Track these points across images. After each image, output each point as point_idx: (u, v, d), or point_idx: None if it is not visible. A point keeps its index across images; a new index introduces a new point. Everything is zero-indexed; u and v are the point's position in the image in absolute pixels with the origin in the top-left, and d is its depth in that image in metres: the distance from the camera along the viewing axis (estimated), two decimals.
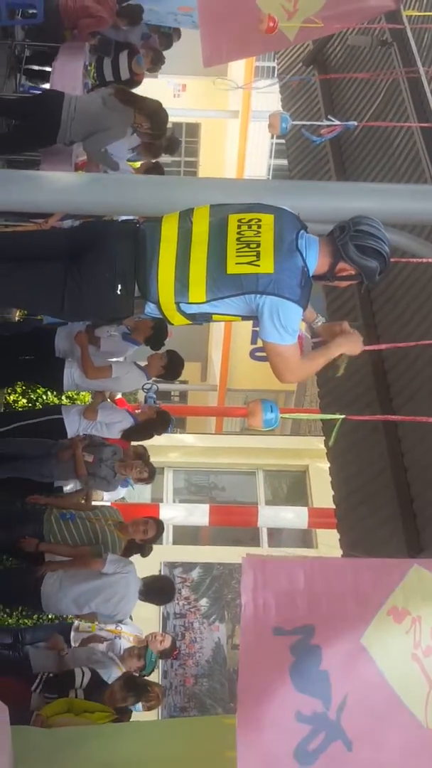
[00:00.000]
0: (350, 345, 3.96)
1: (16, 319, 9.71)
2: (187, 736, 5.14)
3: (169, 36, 10.11)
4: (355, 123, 6.48)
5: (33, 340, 7.90)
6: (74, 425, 7.08)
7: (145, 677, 6.31)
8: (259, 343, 16.00)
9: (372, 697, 3.09)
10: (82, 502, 7.17)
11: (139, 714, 6.20)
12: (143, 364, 7.39)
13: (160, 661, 8.98)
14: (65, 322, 7.37)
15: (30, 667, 6.43)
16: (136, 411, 7.31)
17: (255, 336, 16.34)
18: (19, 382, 8.54)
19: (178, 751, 5.01)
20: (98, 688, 5.64)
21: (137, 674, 6.32)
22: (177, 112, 15.48)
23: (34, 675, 6.00)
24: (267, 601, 3.15)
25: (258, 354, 16.62)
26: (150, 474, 7.20)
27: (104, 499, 8.31)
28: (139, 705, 6.01)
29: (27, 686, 5.83)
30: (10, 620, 8.62)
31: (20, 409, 8.66)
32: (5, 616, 8.69)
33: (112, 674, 6.20)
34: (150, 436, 7.37)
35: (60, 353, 7.48)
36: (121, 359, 7.61)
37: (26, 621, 8.57)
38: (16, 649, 7.06)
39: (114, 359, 7.34)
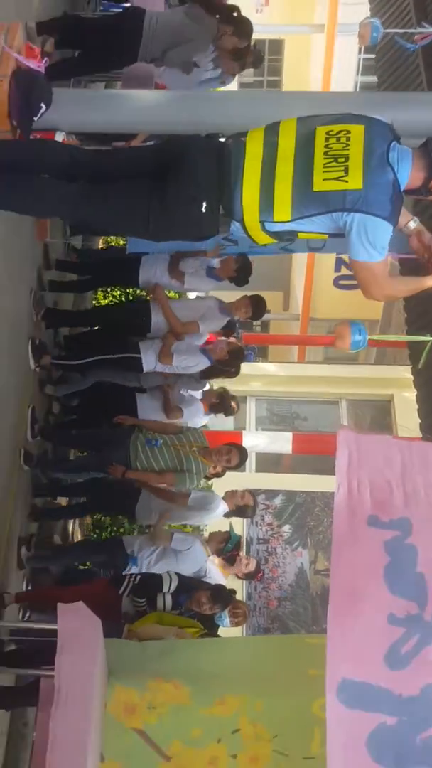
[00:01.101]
0: None
1: (100, 247, 9.79)
2: (273, 653, 5.24)
3: None
4: None
5: (117, 270, 7.96)
6: (151, 365, 7.12)
7: (232, 552, 6.52)
8: (344, 271, 15.81)
9: None
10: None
11: (226, 630, 6.35)
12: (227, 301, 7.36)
13: (244, 582, 9.15)
14: (148, 252, 7.41)
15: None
16: (209, 346, 7.25)
17: (339, 264, 16.05)
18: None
19: (264, 667, 5.11)
20: (185, 593, 5.78)
21: (220, 554, 6.58)
22: (260, 29, 15.05)
23: (123, 577, 6.17)
24: (362, 483, 3.01)
25: (342, 282, 16.36)
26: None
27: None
28: (227, 620, 6.15)
29: (116, 592, 6.00)
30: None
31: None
32: (95, 535, 8.96)
33: (196, 550, 6.46)
34: (224, 374, 7.38)
35: (143, 284, 7.51)
36: (203, 294, 7.60)
37: (121, 530, 8.86)
38: (106, 567, 7.26)
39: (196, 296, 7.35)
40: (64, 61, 6.86)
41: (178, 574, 6.09)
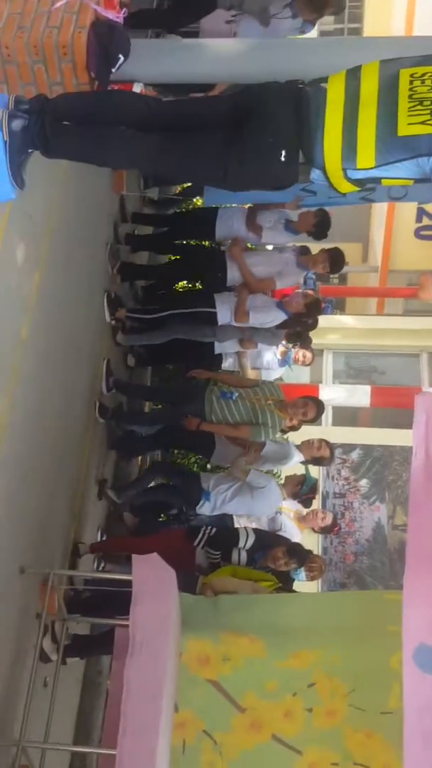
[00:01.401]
0: None
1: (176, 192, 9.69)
2: (350, 608, 5.22)
3: None
4: None
5: (193, 223, 7.89)
6: (226, 318, 7.06)
7: (308, 495, 6.50)
8: (425, 221, 15.39)
9: None
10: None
11: (301, 585, 6.35)
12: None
13: (320, 537, 9.13)
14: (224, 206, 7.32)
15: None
16: (285, 298, 7.14)
17: (420, 214, 15.62)
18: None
19: (340, 622, 5.11)
20: (261, 551, 5.79)
21: (296, 497, 6.60)
22: None
23: (198, 529, 6.21)
24: None
25: (423, 233, 15.94)
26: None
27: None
28: (302, 574, 6.15)
29: (190, 544, 6.04)
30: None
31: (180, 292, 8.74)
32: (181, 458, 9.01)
33: (271, 490, 6.47)
34: (302, 326, 7.26)
35: (220, 237, 7.43)
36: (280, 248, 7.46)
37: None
38: (180, 519, 7.34)
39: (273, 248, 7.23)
40: (142, 12, 6.76)
41: (255, 531, 6.10)
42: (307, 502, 6.90)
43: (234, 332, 7.24)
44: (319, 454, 6.86)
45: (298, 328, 7.28)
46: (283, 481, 6.97)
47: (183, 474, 7.13)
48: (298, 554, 5.75)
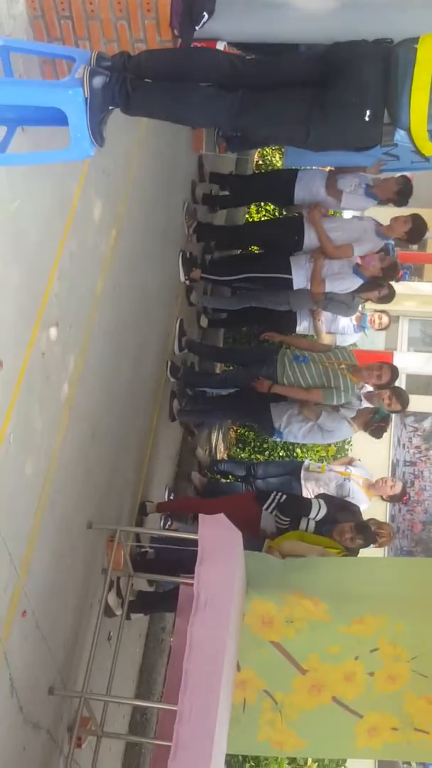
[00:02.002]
0: None
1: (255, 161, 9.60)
2: (417, 575, 5.20)
3: None
4: None
5: (272, 185, 7.80)
6: (302, 283, 6.98)
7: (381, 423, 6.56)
8: None
9: None
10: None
11: (368, 551, 6.32)
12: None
13: (388, 504, 9.07)
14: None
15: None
16: (359, 263, 7.02)
17: None
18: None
19: (406, 589, 5.08)
20: (329, 524, 5.77)
21: (368, 427, 6.62)
22: None
23: (267, 495, 6.22)
24: None
25: None
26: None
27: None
28: None
29: (258, 507, 6.06)
30: (243, 454, 9.00)
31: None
32: (238, 450, 9.08)
33: (342, 429, 6.58)
34: (379, 287, 7.14)
35: (299, 200, 7.33)
36: (359, 214, 7.33)
37: (258, 456, 8.92)
38: (248, 482, 7.36)
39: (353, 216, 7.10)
40: None
41: (326, 501, 6.08)
42: (377, 432, 6.78)
43: (308, 301, 7.18)
44: (392, 492, 6.97)
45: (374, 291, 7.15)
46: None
47: (254, 412, 7.11)
48: (366, 532, 5.70)
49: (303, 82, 3.67)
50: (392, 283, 7.30)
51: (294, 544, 5.49)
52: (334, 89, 3.53)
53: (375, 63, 3.54)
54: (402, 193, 6.85)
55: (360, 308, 7.59)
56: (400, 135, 3.60)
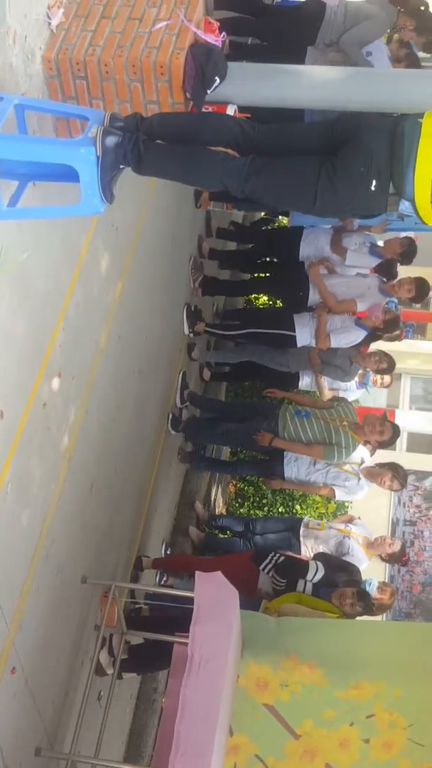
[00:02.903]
0: None
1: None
2: (416, 640, 5.12)
3: None
4: None
5: (278, 241, 7.88)
6: (305, 341, 7.00)
7: None
8: None
9: None
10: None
11: None
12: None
13: (387, 565, 8.98)
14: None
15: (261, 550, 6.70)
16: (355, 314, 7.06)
17: None
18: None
19: (404, 654, 5.00)
20: (327, 587, 5.69)
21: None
22: None
23: (265, 555, 6.15)
24: None
25: None
26: (389, 365, 7.01)
27: None
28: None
29: (255, 567, 5.98)
30: (241, 510, 8.94)
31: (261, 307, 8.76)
32: (237, 505, 9.03)
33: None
34: (379, 338, 7.16)
35: (304, 257, 7.40)
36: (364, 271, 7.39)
37: (257, 512, 8.85)
38: (246, 538, 7.30)
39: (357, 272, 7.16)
40: (239, 45, 6.78)
41: (324, 562, 6.02)
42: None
43: (307, 363, 7.21)
44: (391, 550, 6.86)
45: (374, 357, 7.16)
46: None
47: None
48: (367, 599, 5.62)
49: (311, 149, 3.76)
50: (395, 341, 7.34)
51: (292, 608, 5.41)
52: (342, 158, 3.61)
53: (381, 135, 3.64)
54: (406, 254, 6.94)
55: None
56: (404, 205, 3.68)
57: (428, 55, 7.83)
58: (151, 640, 5.64)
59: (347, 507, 9.47)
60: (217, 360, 8.00)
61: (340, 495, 7.02)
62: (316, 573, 5.80)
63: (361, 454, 6.73)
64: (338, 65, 6.35)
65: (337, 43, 6.33)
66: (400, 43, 6.57)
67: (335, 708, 4.89)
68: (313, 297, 7.05)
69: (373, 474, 6.68)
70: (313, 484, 6.84)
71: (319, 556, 6.41)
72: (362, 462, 6.76)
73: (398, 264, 7.16)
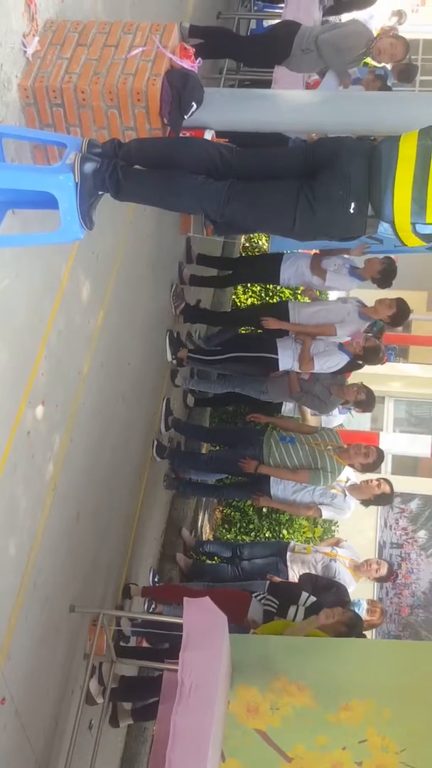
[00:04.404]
0: None
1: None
2: (404, 659, 5.10)
3: None
4: None
5: (258, 266, 7.93)
6: (288, 365, 7.02)
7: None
8: None
9: None
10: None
11: None
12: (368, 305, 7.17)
13: (375, 585, 8.97)
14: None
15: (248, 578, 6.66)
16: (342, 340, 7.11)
17: None
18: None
19: (393, 674, 4.99)
20: (316, 613, 5.65)
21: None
22: (415, 29, 14.70)
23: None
24: None
25: None
26: (368, 397, 7.04)
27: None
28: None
29: (246, 594, 5.95)
30: (228, 535, 8.91)
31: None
32: (224, 531, 9.00)
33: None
34: (360, 367, 7.20)
35: (284, 281, 7.44)
36: (344, 295, 7.45)
37: (244, 537, 8.83)
38: (234, 563, 7.27)
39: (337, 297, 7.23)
40: (219, 34, 6.96)
41: (312, 588, 6.01)
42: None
43: (285, 392, 7.25)
44: (378, 574, 6.91)
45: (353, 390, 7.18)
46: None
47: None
48: (355, 628, 5.59)
49: (290, 173, 3.79)
50: (378, 364, 7.38)
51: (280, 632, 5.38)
52: (320, 182, 3.65)
53: (359, 158, 3.68)
54: (385, 274, 6.93)
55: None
56: (383, 227, 3.71)
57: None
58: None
59: (334, 531, 9.47)
60: (201, 389, 8.02)
61: (327, 514, 7.01)
62: (307, 600, 5.78)
63: (346, 472, 6.75)
64: (314, 66, 6.54)
65: (314, 49, 6.48)
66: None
67: (328, 733, 4.86)
68: (294, 321, 7.10)
69: (361, 489, 6.68)
70: (299, 503, 6.83)
71: (305, 578, 6.40)
72: (347, 480, 6.78)
73: (378, 286, 7.20)
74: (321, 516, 7.05)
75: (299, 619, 5.59)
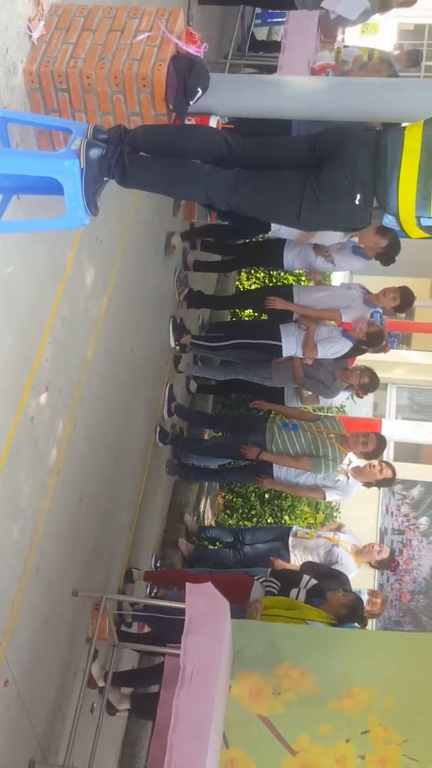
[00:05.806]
0: None
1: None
2: (406, 650, 5.12)
3: None
4: None
5: (262, 251, 7.91)
6: (291, 351, 7.02)
7: None
8: None
9: None
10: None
11: None
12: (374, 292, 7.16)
13: (376, 572, 9.00)
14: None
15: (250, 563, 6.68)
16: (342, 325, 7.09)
17: None
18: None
19: (395, 664, 5.01)
20: (319, 597, 5.68)
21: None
22: (422, 13, 14.59)
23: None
24: None
25: None
26: (371, 380, 7.03)
27: None
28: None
29: (248, 577, 5.98)
30: (230, 521, 8.93)
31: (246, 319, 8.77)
32: (226, 516, 9.02)
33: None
34: (363, 352, 7.19)
35: (288, 265, 7.42)
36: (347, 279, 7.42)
37: (246, 522, 8.85)
38: (236, 548, 7.30)
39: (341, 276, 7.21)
40: None
41: (315, 573, 6.04)
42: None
43: (290, 377, 7.26)
44: (380, 557, 6.89)
45: (362, 353, 7.18)
46: None
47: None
48: (357, 612, 5.62)
49: (296, 163, 3.78)
50: (381, 352, 7.37)
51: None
52: (326, 172, 3.64)
53: (364, 149, 3.67)
54: (389, 248, 6.78)
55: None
56: (388, 219, 3.71)
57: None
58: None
59: (335, 517, 9.49)
60: (204, 375, 8.02)
61: (330, 497, 7.03)
62: (309, 582, 5.80)
63: (349, 455, 6.77)
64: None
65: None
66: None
67: (330, 722, 4.88)
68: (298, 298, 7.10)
69: (363, 472, 6.69)
70: (303, 485, 6.83)
71: (306, 566, 6.42)
72: (350, 463, 6.79)
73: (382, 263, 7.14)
74: (325, 498, 7.07)
75: (301, 599, 5.62)
